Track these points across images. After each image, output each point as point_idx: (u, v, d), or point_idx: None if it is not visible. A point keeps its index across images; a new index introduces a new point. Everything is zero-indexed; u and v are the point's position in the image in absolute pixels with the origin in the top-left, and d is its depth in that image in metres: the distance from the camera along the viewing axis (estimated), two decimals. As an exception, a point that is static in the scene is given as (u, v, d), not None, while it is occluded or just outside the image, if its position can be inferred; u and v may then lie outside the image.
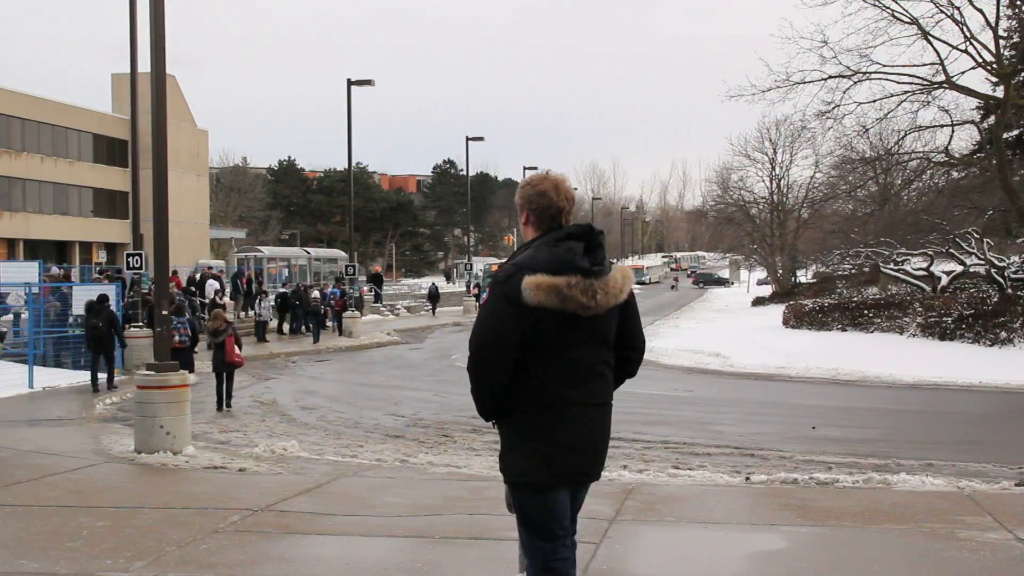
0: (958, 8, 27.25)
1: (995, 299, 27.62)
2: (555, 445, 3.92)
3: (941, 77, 28.25)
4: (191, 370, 17.51)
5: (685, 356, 27.22)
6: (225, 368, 16.84)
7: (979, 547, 7.15)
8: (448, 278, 68.97)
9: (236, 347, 16.85)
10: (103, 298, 19.01)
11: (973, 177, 34.38)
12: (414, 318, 45.67)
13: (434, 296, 49.26)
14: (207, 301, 30.23)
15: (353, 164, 40.75)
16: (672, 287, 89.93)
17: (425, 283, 69.75)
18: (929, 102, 29.43)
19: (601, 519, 8.08)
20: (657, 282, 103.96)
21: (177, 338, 16.73)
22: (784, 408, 17.97)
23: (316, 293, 34.59)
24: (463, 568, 6.79)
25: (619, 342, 4.10)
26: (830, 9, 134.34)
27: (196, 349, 19.91)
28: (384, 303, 47.86)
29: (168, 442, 11.44)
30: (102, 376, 18.49)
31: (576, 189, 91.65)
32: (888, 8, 27.39)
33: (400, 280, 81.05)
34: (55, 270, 36.08)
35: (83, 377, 20.04)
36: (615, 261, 4.31)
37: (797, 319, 33.18)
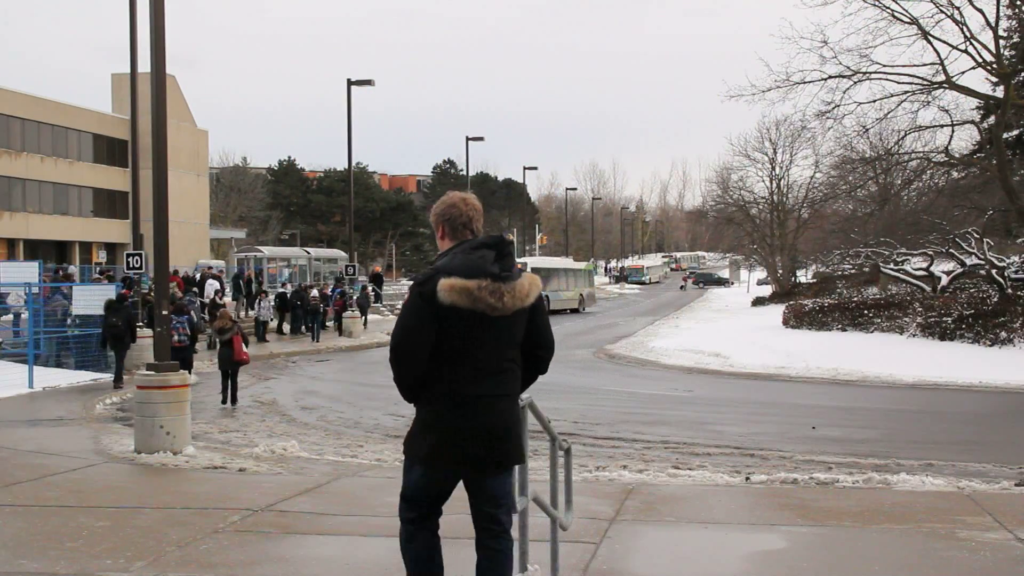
0: (958, 8, 27.29)
1: (995, 299, 27.62)
2: (453, 430, 4.32)
3: (941, 77, 28.27)
4: (190, 369, 17.78)
5: (685, 356, 27.22)
6: (231, 366, 17.20)
7: (979, 547, 7.16)
8: None
9: (243, 345, 17.24)
10: (122, 297, 19.29)
11: (973, 177, 34.38)
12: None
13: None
14: (207, 301, 30.28)
15: (353, 164, 40.74)
16: (681, 287, 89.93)
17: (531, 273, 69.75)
18: (929, 102, 29.46)
19: (601, 519, 8.08)
20: (657, 282, 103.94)
21: (176, 337, 17.00)
22: (784, 408, 17.96)
23: (315, 292, 34.69)
24: (463, 568, 6.79)
25: (529, 342, 4.51)
26: (830, 9, 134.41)
27: (196, 348, 20.15)
28: (384, 303, 47.82)
29: (168, 442, 11.45)
30: (106, 375, 18.49)
31: (575, 189, 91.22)
32: (888, 8, 27.41)
33: (400, 280, 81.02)
34: (72, 269, 36.16)
35: (83, 377, 20.06)
36: (526, 269, 4.77)
37: (797, 319, 33.18)
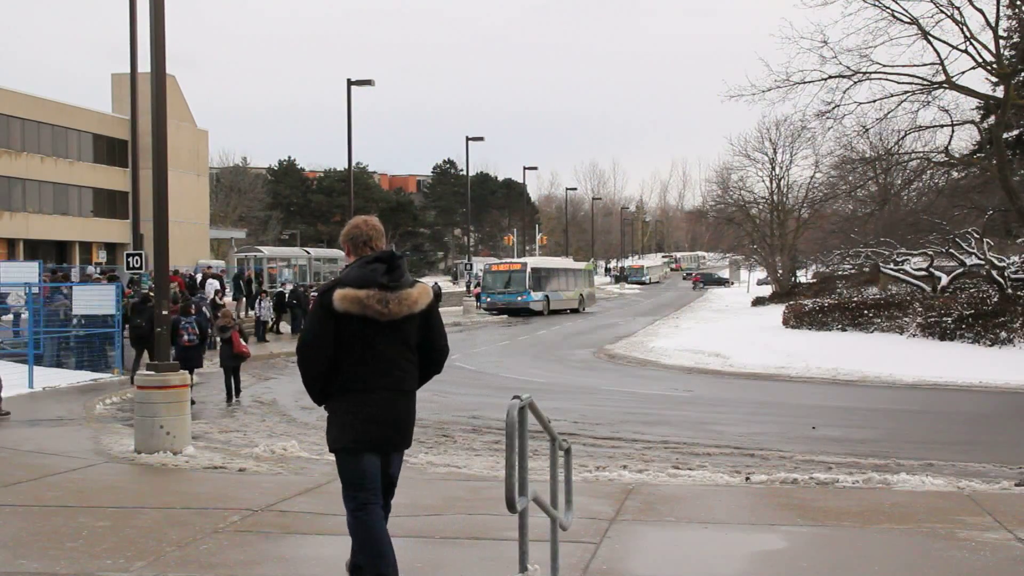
0: (958, 8, 27.26)
1: (995, 299, 27.62)
2: (360, 420, 4.99)
3: (941, 77, 28.25)
4: (200, 366, 18.13)
5: (685, 356, 27.22)
6: (233, 360, 17.84)
7: (979, 547, 7.16)
8: (456, 278, 68.87)
9: (242, 339, 17.92)
10: (146, 298, 19.66)
11: (973, 177, 34.36)
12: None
13: (437, 295, 49.73)
14: (207, 301, 30.40)
15: (353, 164, 40.76)
16: (694, 287, 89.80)
17: (425, 283, 69.82)
18: (929, 102, 29.43)
19: (601, 519, 8.08)
20: (657, 282, 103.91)
21: (186, 337, 17.31)
22: (784, 408, 17.96)
23: (315, 292, 34.82)
24: (463, 568, 6.80)
25: (424, 344, 5.18)
26: (830, 9, 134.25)
27: (205, 348, 20.33)
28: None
29: (168, 442, 11.45)
30: (105, 375, 18.55)
31: (575, 189, 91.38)
32: (888, 8, 27.39)
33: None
34: (91, 269, 36.15)
35: (83, 377, 20.07)
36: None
37: (797, 319, 33.18)
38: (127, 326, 20.65)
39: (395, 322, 4.94)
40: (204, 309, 22.92)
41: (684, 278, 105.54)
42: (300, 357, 5.05)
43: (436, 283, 56.27)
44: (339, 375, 5.00)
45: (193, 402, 17.19)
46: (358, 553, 5.15)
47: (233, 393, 17.99)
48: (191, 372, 16.90)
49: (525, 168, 73.55)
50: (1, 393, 14.88)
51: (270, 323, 33.11)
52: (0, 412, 14.95)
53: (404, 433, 5.16)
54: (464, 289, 54.34)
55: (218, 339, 18.18)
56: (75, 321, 22.14)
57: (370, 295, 4.84)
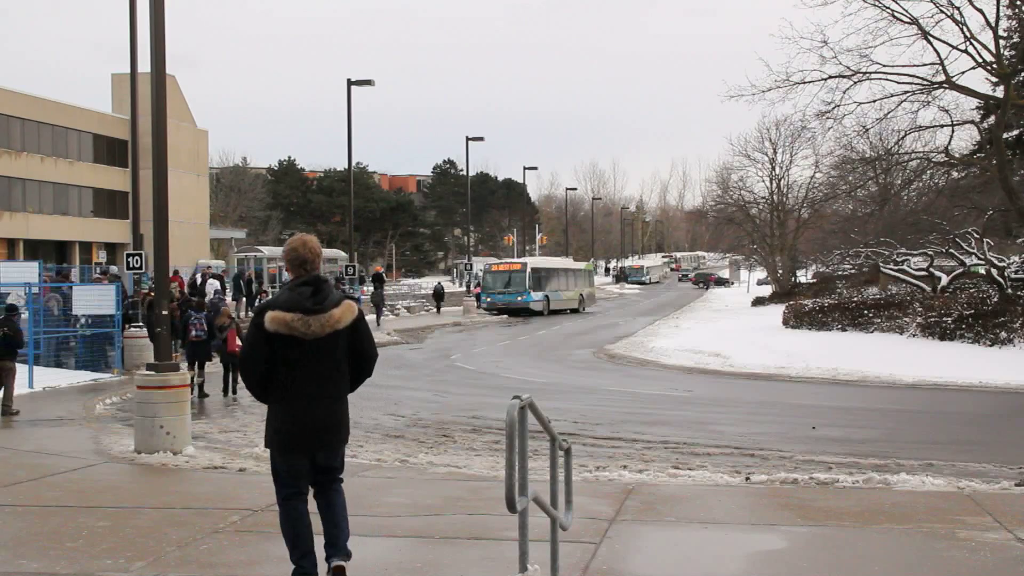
0: (958, 8, 27.24)
1: (995, 299, 27.61)
2: (289, 424, 5.60)
3: (941, 77, 28.23)
4: (209, 359, 18.93)
5: (685, 356, 27.22)
6: (228, 358, 18.52)
7: (979, 547, 7.16)
8: (455, 278, 68.97)
9: (237, 339, 18.35)
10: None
11: (973, 177, 34.35)
12: (414, 318, 45.70)
13: (439, 295, 50.50)
14: (225, 301, 30.82)
15: (353, 164, 40.74)
16: (696, 285, 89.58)
17: (425, 283, 69.76)
18: (929, 102, 29.40)
19: (601, 519, 8.08)
20: (657, 282, 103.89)
21: (194, 332, 18.22)
22: (784, 408, 17.96)
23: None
24: (463, 568, 6.80)
25: (353, 354, 5.75)
26: (830, 9, 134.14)
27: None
28: (385, 303, 47.82)
29: (168, 442, 11.45)
30: (105, 375, 18.56)
31: (575, 189, 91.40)
32: (888, 8, 27.37)
33: (400, 280, 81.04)
34: (114, 269, 36.29)
35: (83, 377, 20.08)
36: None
37: (797, 319, 33.18)
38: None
39: (319, 339, 5.55)
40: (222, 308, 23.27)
41: (680, 279, 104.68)
42: (241, 369, 5.86)
43: (439, 283, 56.35)
44: (274, 383, 5.62)
45: (206, 395, 18.34)
46: (290, 550, 5.84)
47: (230, 389, 18.62)
48: (201, 365, 18.37)
49: (525, 168, 73.58)
50: (13, 391, 15.24)
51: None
52: (10, 410, 15.19)
53: (331, 434, 5.72)
54: (464, 289, 54.32)
55: (218, 337, 18.90)
56: (83, 321, 22.13)
57: (295, 318, 5.49)
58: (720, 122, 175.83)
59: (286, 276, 5.83)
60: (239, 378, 18.27)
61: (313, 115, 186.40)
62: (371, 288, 49.29)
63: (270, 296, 34.32)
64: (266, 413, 5.79)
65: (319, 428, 5.65)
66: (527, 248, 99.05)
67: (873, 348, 26.10)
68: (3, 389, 15.14)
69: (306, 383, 5.59)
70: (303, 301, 5.54)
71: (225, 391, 18.59)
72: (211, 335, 18.53)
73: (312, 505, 5.86)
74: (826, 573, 6.77)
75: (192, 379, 17.39)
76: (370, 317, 40.10)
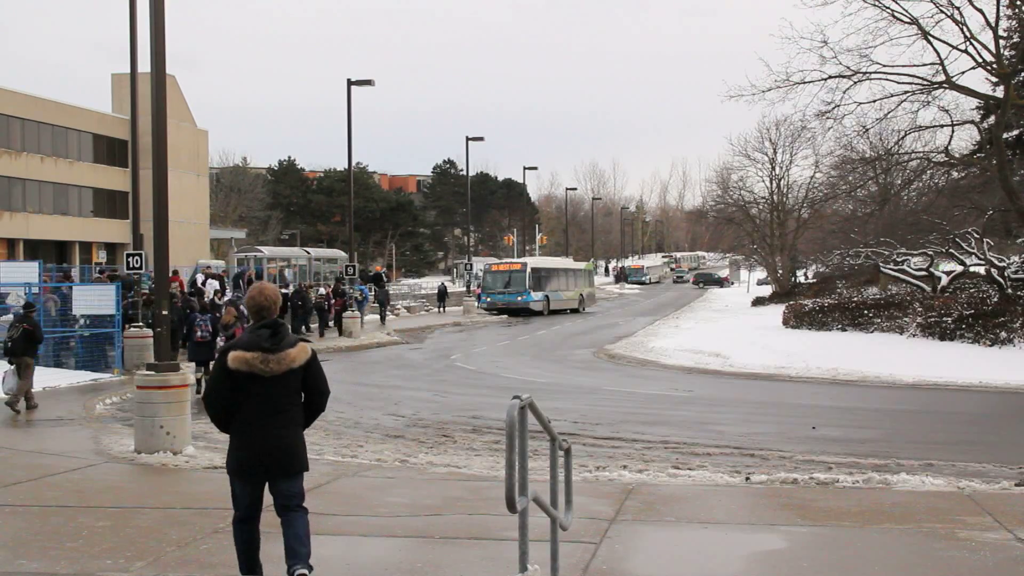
0: (958, 8, 27.24)
1: (995, 299, 27.61)
2: (247, 451, 6.14)
3: (941, 77, 28.23)
4: (214, 358, 18.47)
5: (685, 356, 27.22)
6: None
7: (979, 547, 7.16)
8: (454, 278, 69.01)
9: None
10: (171, 296, 21.03)
11: (973, 177, 34.35)
12: (414, 318, 45.70)
13: (443, 295, 51.13)
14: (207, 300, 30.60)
15: (353, 164, 40.73)
16: (695, 285, 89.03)
17: (425, 283, 69.83)
18: (929, 102, 29.41)
19: (601, 519, 8.09)
20: (657, 282, 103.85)
21: (199, 333, 18.65)
22: (784, 408, 17.96)
23: (322, 290, 35.95)
24: (463, 568, 6.80)
25: (307, 390, 6.30)
26: (830, 9, 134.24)
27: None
28: (389, 301, 47.87)
29: (168, 442, 11.45)
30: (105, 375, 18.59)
31: (575, 189, 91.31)
32: (888, 8, 27.37)
33: (400, 280, 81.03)
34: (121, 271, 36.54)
35: (83, 377, 20.07)
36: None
37: (797, 319, 33.18)
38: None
39: (278, 375, 6.11)
40: (241, 307, 23.85)
41: (675, 281, 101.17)
42: (205, 403, 6.43)
43: (443, 283, 56.47)
44: (235, 416, 6.16)
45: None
46: (241, 563, 6.40)
47: None
48: (206, 364, 18.37)
49: (525, 168, 73.62)
50: (33, 386, 15.67)
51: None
52: (30, 404, 15.57)
53: (288, 462, 6.21)
54: (464, 289, 54.35)
55: (223, 335, 19.36)
56: (81, 322, 22.13)
57: (255, 357, 6.06)
58: (720, 122, 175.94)
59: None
60: None
61: (313, 115, 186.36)
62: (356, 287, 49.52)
63: (230, 297, 34.80)
64: (230, 442, 6.30)
65: (275, 456, 6.16)
66: (527, 248, 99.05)
67: (873, 348, 26.09)
68: (21, 382, 15.47)
69: (264, 416, 6.13)
70: (262, 342, 6.12)
71: None
72: (215, 335, 18.86)
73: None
74: (826, 573, 6.77)
75: (199, 379, 18.07)
76: (372, 317, 40.20)
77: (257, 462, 6.14)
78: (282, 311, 33.54)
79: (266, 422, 6.12)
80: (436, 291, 52.95)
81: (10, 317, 25.93)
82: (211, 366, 18.21)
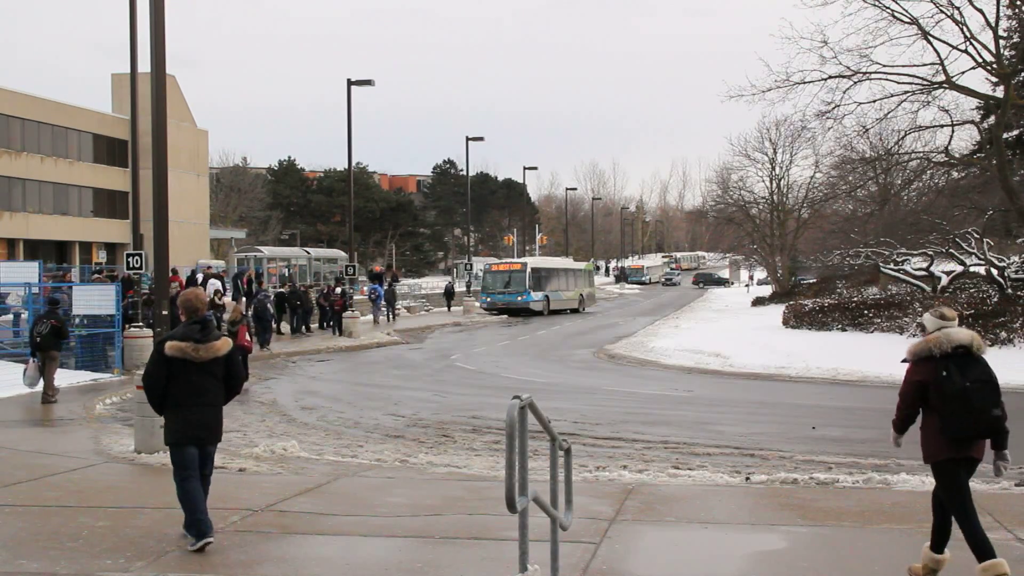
0: (958, 8, 27.23)
1: (995, 299, 27.60)
2: (182, 425, 7.37)
3: (941, 77, 28.22)
4: None
5: (685, 356, 27.22)
6: (238, 352, 18.61)
7: (979, 547, 7.14)
8: (454, 278, 69.04)
9: (247, 335, 20.29)
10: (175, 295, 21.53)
11: (973, 177, 34.33)
12: (414, 318, 45.69)
13: (449, 294, 52.13)
14: (270, 298, 31.68)
15: (353, 164, 40.73)
16: (696, 284, 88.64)
17: (425, 283, 69.87)
18: (929, 102, 29.40)
19: (601, 519, 8.09)
20: (657, 282, 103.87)
21: None
22: (784, 408, 17.96)
23: (338, 289, 36.52)
24: (463, 568, 6.80)
25: (227, 376, 7.60)
26: (830, 9, 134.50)
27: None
28: (396, 300, 47.95)
29: (168, 442, 11.43)
30: (105, 375, 18.59)
31: (575, 189, 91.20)
32: (888, 8, 27.36)
33: (400, 280, 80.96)
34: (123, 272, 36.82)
35: (83, 377, 20.06)
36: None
37: (797, 319, 33.17)
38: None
39: (205, 362, 7.37)
40: (268, 305, 29.71)
41: (665, 283, 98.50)
42: (144, 385, 7.55)
43: (450, 282, 56.62)
44: (170, 396, 7.37)
45: None
46: (187, 516, 7.34)
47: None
48: None
49: (525, 168, 73.56)
50: (55, 380, 16.43)
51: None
52: (49, 398, 16.16)
53: (212, 432, 7.53)
54: (464, 289, 54.39)
55: (228, 331, 20.06)
56: (78, 321, 22.13)
57: (187, 346, 7.31)
58: (720, 122, 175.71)
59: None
60: (246, 371, 20.01)
61: (313, 115, 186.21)
62: (369, 287, 49.59)
63: (257, 296, 35.04)
64: (165, 417, 7.51)
65: (205, 427, 7.46)
66: (527, 248, 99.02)
67: (873, 348, 26.07)
68: (46, 371, 16.28)
69: (193, 395, 7.37)
70: (194, 334, 7.39)
71: None
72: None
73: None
74: (826, 573, 6.77)
75: None
76: (372, 317, 40.26)
77: (192, 434, 7.38)
78: (281, 311, 34.19)
79: (196, 401, 7.37)
80: (443, 290, 53.75)
81: (10, 317, 26.07)
82: None
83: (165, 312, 12.72)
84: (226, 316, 26.65)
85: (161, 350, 7.36)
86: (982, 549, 6.21)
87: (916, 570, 6.58)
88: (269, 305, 30.45)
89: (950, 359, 6.32)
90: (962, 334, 6.42)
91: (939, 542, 6.48)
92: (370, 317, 40.62)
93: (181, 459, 7.37)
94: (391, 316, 42.21)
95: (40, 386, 16.48)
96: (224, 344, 7.55)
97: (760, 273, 73.76)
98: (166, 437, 7.55)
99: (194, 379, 7.34)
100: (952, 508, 6.35)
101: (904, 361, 6.70)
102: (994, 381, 6.35)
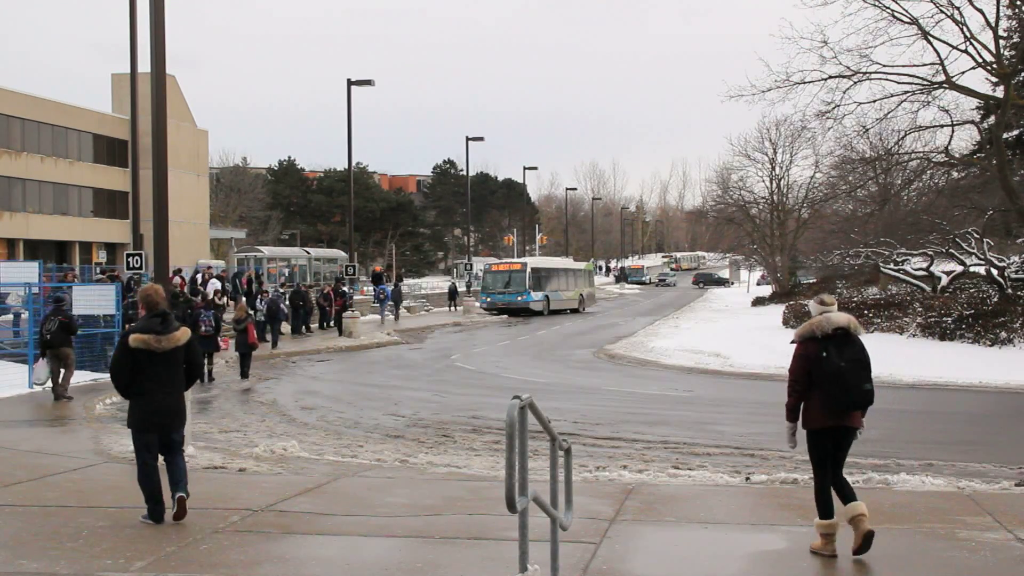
0: (958, 8, 27.22)
1: (995, 299, 27.60)
2: (145, 412, 7.96)
3: (941, 77, 28.21)
4: (217, 350, 21.88)
5: (685, 356, 27.22)
6: (246, 348, 21.72)
7: (979, 547, 7.16)
8: (460, 279, 69.13)
9: (254, 331, 21.84)
10: (177, 295, 22.93)
11: (973, 177, 34.33)
12: (415, 318, 45.69)
13: (453, 294, 52.72)
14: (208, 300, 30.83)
15: (353, 164, 40.72)
16: (734, 284, 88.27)
17: (425, 283, 69.93)
18: (929, 102, 29.38)
19: (601, 519, 8.09)
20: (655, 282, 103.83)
21: (203, 328, 20.53)
22: (784, 408, 17.94)
23: (324, 291, 36.93)
24: (463, 568, 6.80)
25: (187, 363, 8.20)
26: (830, 9, 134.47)
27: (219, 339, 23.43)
28: (402, 299, 47.99)
29: (168, 442, 11.42)
30: (105, 375, 18.57)
31: (575, 189, 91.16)
32: (888, 8, 27.35)
33: (404, 280, 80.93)
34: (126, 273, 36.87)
35: (83, 377, 20.04)
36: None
37: (797, 319, 33.16)
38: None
39: (167, 351, 7.95)
40: (283, 305, 30.59)
41: (657, 284, 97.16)
42: (111, 373, 8.16)
43: (453, 282, 56.71)
44: (135, 383, 7.92)
45: (213, 379, 21.08)
46: (147, 501, 7.94)
47: (244, 374, 21.73)
48: (210, 356, 21.03)
49: (525, 168, 73.56)
50: (71, 379, 16.93)
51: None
52: (65, 396, 16.49)
53: (174, 419, 8.07)
54: (464, 289, 54.42)
55: (234, 329, 22.01)
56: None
57: (150, 337, 7.88)
58: (720, 122, 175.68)
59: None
60: (249, 366, 21.86)
61: (313, 115, 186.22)
62: (370, 288, 49.59)
63: (270, 294, 35.10)
64: (129, 405, 8.08)
65: (167, 413, 8.01)
66: (527, 248, 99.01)
67: (873, 348, 25.78)
68: (63, 372, 16.71)
69: (156, 383, 7.93)
70: (155, 327, 7.97)
71: (243, 375, 21.67)
72: (217, 330, 21.34)
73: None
74: (826, 573, 6.77)
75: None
76: (374, 316, 40.24)
77: (156, 419, 7.96)
78: (273, 309, 34.35)
79: (159, 387, 7.94)
80: (447, 291, 54.47)
81: (10, 317, 26.05)
82: (214, 357, 21.39)
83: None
84: (227, 316, 27.12)
85: (126, 342, 7.91)
86: (824, 507, 7.13)
87: (816, 546, 7.14)
88: (283, 305, 30.55)
89: (830, 340, 7.15)
90: (840, 317, 7.32)
91: (824, 508, 7.16)
92: (371, 317, 40.66)
93: (141, 444, 7.97)
94: (397, 315, 42.88)
95: (48, 384, 16.85)
96: (183, 334, 8.13)
97: (756, 274, 73.72)
98: (129, 421, 8.08)
99: (157, 368, 7.91)
100: (813, 467, 7.36)
101: (792, 342, 7.42)
102: (866, 360, 7.21)
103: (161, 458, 8.09)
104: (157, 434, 7.97)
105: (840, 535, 7.06)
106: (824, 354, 7.08)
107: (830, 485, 7.19)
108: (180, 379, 8.14)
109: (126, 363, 7.87)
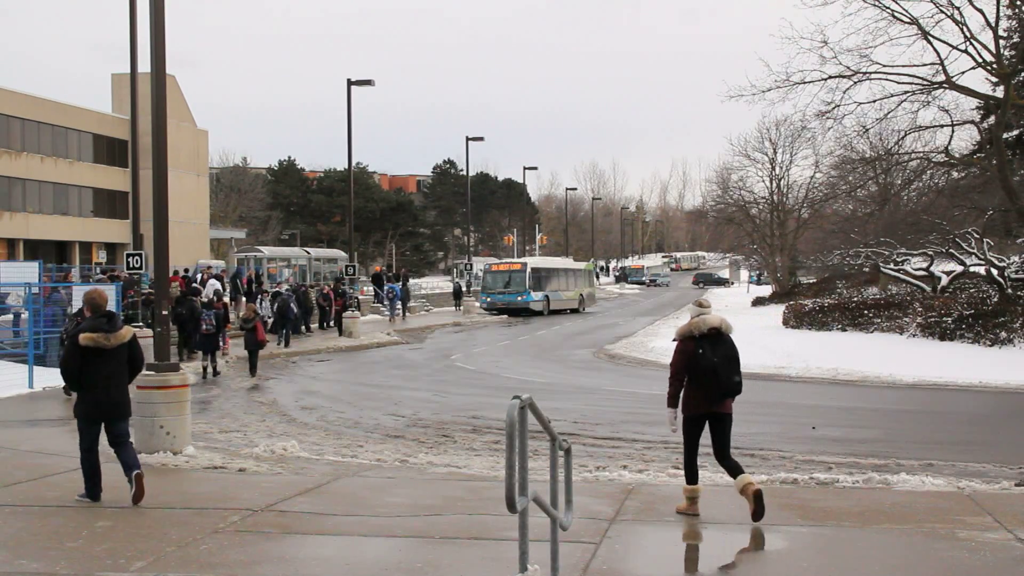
0: (958, 8, 27.22)
1: (995, 299, 27.60)
2: (91, 403, 8.72)
3: (941, 77, 28.21)
4: (218, 348, 22.60)
5: (685, 356, 27.17)
6: (255, 346, 22.38)
7: (979, 547, 7.16)
8: (460, 279, 69.19)
9: (263, 330, 22.68)
10: (185, 293, 23.90)
11: (973, 177, 34.34)
12: (415, 318, 45.69)
13: (458, 293, 53.00)
14: (206, 300, 30.93)
15: (353, 164, 40.73)
16: (734, 284, 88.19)
17: (426, 283, 69.94)
18: (929, 102, 29.39)
19: (601, 519, 8.09)
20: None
21: (205, 327, 21.51)
22: (784, 408, 17.96)
23: (325, 291, 36.99)
24: (463, 568, 6.80)
25: (130, 359, 8.89)
26: (830, 9, 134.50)
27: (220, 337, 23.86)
28: (410, 298, 48.03)
29: (168, 442, 11.45)
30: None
31: (575, 189, 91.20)
32: (888, 8, 27.35)
33: (409, 280, 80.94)
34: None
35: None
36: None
37: (797, 319, 33.18)
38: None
39: (113, 348, 8.66)
40: (292, 305, 30.79)
41: (649, 283, 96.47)
42: (62, 369, 8.88)
43: (457, 282, 56.74)
44: (84, 378, 8.61)
45: (217, 372, 22.18)
46: (86, 482, 8.78)
47: (253, 370, 22.33)
48: (212, 354, 22.08)
49: (525, 168, 73.58)
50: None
51: (269, 323, 33.13)
52: (67, 394, 16.28)
53: (119, 410, 8.80)
54: (464, 289, 54.43)
55: (243, 327, 22.82)
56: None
57: (99, 336, 8.58)
58: (720, 122, 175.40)
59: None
60: (257, 364, 22.48)
61: (313, 115, 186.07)
62: (370, 288, 49.56)
63: (282, 293, 35.36)
64: (77, 397, 8.83)
65: (113, 405, 8.73)
66: (527, 248, 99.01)
67: (873, 348, 26.08)
68: None
69: (102, 377, 8.62)
70: (102, 326, 8.66)
71: (252, 371, 22.23)
72: (219, 328, 22.02)
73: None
74: (826, 573, 6.77)
75: (205, 367, 21.77)
76: (374, 316, 40.24)
77: (101, 410, 8.70)
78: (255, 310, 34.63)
79: (106, 382, 8.63)
80: (452, 291, 55.09)
81: (10, 317, 26.06)
82: (216, 355, 22.08)
83: (165, 312, 12.70)
84: (235, 315, 27.59)
85: (76, 341, 8.60)
86: (690, 475, 8.36)
87: (682, 508, 8.29)
88: (293, 304, 30.57)
89: (705, 339, 8.21)
90: (714, 319, 8.32)
91: (690, 476, 8.36)
92: (371, 316, 40.69)
93: (87, 432, 8.74)
94: (405, 314, 43.44)
95: (48, 385, 17.15)
96: (127, 332, 8.89)
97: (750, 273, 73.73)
98: (75, 411, 8.91)
99: (104, 364, 8.61)
100: (685, 445, 8.44)
101: (674, 340, 8.48)
102: (735, 356, 8.42)
103: (113, 451, 8.79)
104: (101, 423, 8.75)
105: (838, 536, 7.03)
106: (700, 351, 8.13)
107: (696, 458, 8.33)
108: (124, 374, 8.86)
109: (76, 360, 8.55)
